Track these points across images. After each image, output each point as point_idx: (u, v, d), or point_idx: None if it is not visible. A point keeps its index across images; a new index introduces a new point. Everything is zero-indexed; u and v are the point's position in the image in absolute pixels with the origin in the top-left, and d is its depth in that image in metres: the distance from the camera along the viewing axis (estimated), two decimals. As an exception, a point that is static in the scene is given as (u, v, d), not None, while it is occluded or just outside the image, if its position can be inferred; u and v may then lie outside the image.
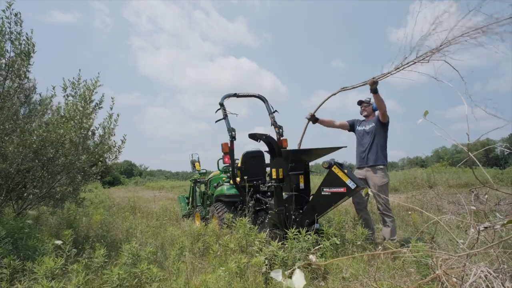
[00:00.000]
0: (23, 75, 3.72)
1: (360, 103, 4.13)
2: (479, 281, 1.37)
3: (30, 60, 3.74)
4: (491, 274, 1.36)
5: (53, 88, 4.12)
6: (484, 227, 1.56)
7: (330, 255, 2.86)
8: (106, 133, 4.55)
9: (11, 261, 2.52)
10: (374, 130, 3.87)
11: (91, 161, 4.44)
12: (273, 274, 0.97)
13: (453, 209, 5.27)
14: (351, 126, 4.21)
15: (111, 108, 4.53)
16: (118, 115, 4.60)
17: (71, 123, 3.91)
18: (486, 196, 2.04)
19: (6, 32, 3.55)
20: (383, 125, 3.87)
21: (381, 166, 3.79)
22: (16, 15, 3.56)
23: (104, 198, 9.19)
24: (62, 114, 4.03)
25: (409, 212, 4.71)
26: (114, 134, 4.62)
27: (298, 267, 0.97)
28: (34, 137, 3.79)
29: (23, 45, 3.67)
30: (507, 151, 1.80)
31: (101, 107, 4.38)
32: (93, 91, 4.16)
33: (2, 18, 3.51)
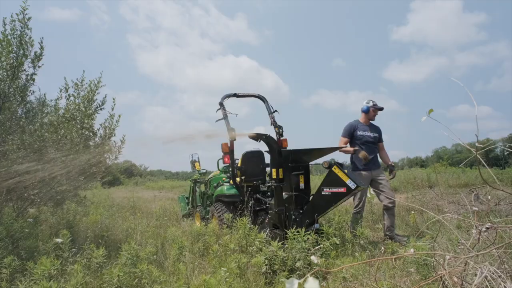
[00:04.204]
0: (30, 78, 3.75)
1: (381, 109, 4.38)
2: (482, 281, 1.37)
3: (39, 63, 3.78)
4: (498, 275, 1.35)
5: (60, 91, 4.13)
6: (487, 228, 1.56)
7: (339, 256, 2.86)
8: (107, 134, 4.55)
9: (11, 261, 2.52)
10: (378, 139, 4.32)
11: (92, 162, 4.44)
12: (287, 283, 0.94)
13: (453, 209, 5.27)
14: (351, 137, 4.27)
15: (113, 109, 4.54)
16: (119, 116, 4.61)
17: (72, 123, 3.91)
18: (489, 196, 2.03)
19: (17, 35, 3.58)
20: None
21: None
22: (29, 19, 3.60)
23: (104, 198, 9.17)
24: (61, 114, 4.02)
25: (412, 212, 4.76)
26: (115, 135, 4.63)
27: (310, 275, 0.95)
28: (35, 137, 3.79)
29: (35, 49, 3.71)
30: (507, 151, 1.80)
31: (103, 108, 4.38)
32: (95, 92, 4.17)
33: (15, 21, 3.54)
